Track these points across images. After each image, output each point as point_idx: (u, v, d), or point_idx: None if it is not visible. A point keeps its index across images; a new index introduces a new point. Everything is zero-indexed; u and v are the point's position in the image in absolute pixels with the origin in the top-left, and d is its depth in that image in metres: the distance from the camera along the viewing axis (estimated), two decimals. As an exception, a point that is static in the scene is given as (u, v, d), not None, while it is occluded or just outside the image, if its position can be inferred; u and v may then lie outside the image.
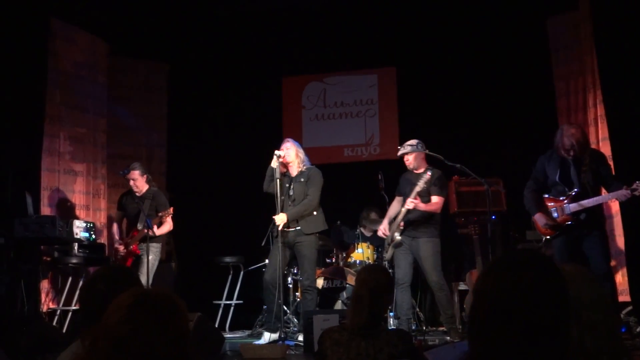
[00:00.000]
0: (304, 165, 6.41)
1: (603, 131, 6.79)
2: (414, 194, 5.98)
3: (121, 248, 6.85)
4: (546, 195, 5.65)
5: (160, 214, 6.71)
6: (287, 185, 6.28)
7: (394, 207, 6.46)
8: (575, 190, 5.43)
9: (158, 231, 6.71)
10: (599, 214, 5.54)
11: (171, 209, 6.74)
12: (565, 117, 7.47)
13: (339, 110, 9.15)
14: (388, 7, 8.57)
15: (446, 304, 6.14)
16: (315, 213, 6.30)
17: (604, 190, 5.55)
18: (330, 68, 9.17)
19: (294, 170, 6.39)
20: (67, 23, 7.60)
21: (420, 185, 5.92)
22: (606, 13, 6.64)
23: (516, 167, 6.89)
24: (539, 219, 5.59)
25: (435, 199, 6.07)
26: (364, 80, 9.11)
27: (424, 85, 8.56)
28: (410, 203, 5.98)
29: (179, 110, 8.94)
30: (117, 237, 7.05)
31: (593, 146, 6.80)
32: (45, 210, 7.08)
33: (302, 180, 6.32)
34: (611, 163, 6.33)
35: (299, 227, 6.21)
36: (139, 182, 6.91)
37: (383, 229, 6.37)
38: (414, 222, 6.13)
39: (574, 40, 7.45)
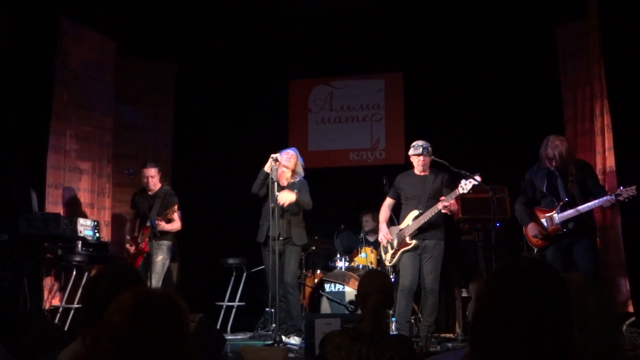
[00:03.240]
0: (296, 178, 6.56)
1: (609, 141, 6.76)
2: (452, 196, 5.90)
3: (132, 249, 6.93)
4: (540, 207, 5.71)
5: (167, 211, 6.82)
6: (278, 193, 6.31)
7: (387, 211, 6.43)
8: (565, 200, 5.47)
9: (167, 226, 6.81)
10: (588, 222, 5.62)
11: (175, 205, 6.84)
12: (572, 126, 7.46)
13: (345, 114, 9.15)
14: (396, 13, 8.58)
15: (431, 311, 6.04)
16: (302, 225, 6.59)
17: None
18: (337, 72, 9.18)
19: (284, 180, 6.47)
20: (76, 22, 7.62)
21: (462, 190, 5.83)
22: (614, 22, 6.63)
23: (521, 175, 6.85)
24: (531, 229, 5.68)
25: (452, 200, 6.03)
26: (370, 85, 9.11)
27: (430, 91, 8.56)
28: (444, 207, 5.89)
29: (185, 111, 8.95)
30: (128, 236, 7.14)
31: (599, 156, 6.81)
32: (50, 207, 7.09)
33: (295, 191, 6.47)
34: (615, 173, 6.34)
35: (290, 238, 6.45)
36: (156, 179, 7.07)
37: (386, 234, 6.30)
38: (426, 226, 6.07)
39: (582, 49, 7.42)
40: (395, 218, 6.47)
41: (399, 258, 6.19)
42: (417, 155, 6.18)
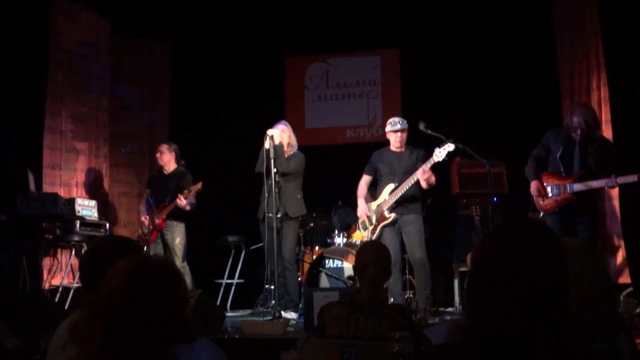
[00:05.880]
0: (291, 151, 6.49)
1: (606, 114, 6.78)
2: (428, 165, 5.82)
3: (146, 222, 7.05)
4: (548, 172, 5.72)
5: (190, 188, 6.96)
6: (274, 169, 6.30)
7: (364, 188, 6.41)
8: (582, 172, 5.47)
9: (185, 204, 6.91)
10: (593, 198, 5.66)
11: (200, 183, 6.96)
12: (569, 100, 7.45)
13: (342, 91, 9.11)
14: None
15: (425, 283, 6.01)
16: (299, 197, 6.47)
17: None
18: (333, 49, 9.12)
19: None
20: (70, 1, 7.57)
21: (437, 158, 5.76)
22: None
23: (519, 149, 6.86)
24: (534, 186, 5.69)
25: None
26: (367, 62, 9.06)
27: (427, 67, 8.51)
28: (422, 173, 5.82)
29: (181, 90, 8.92)
30: (143, 210, 7.26)
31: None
32: (47, 188, 7.09)
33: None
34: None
35: (286, 213, 6.37)
36: (165, 157, 7.24)
37: (365, 210, 6.28)
38: (403, 200, 6.06)
39: (579, 23, 7.40)
40: (372, 195, 6.46)
41: (379, 233, 6.17)
42: (394, 132, 6.18)
